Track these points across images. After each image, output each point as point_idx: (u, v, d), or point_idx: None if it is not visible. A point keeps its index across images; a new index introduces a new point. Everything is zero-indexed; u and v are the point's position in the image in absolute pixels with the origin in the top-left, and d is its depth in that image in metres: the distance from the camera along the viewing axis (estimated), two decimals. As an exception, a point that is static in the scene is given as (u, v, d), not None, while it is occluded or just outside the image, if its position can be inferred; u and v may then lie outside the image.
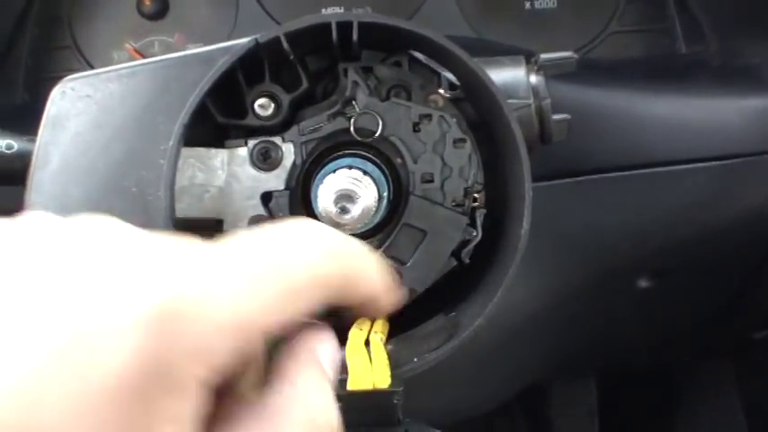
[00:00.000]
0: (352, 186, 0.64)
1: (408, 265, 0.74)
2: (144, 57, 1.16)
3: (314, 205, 0.71)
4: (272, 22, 1.23)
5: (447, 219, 0.74)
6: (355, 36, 0.69)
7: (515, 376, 1.34)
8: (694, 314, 1.31)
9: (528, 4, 1.24)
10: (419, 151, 0.74)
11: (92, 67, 1.21)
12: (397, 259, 0.74)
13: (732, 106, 0.98)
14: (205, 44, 0.75)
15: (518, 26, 1.23)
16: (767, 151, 0.97)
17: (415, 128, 0.74)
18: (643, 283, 1.15)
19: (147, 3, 1.22)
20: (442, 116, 0.73)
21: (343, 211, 0.64)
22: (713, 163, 0.98)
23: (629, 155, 0.97)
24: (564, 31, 1.23)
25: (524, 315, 1.08)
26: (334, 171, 0.69)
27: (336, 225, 0.66)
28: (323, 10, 1.21)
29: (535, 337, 1.19)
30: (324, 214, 0.66)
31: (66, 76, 0.76)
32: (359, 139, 0.73)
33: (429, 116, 0.74)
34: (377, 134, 0.73)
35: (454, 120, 0.74)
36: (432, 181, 0.74)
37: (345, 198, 0.64)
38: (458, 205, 0.74)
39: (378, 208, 0.71)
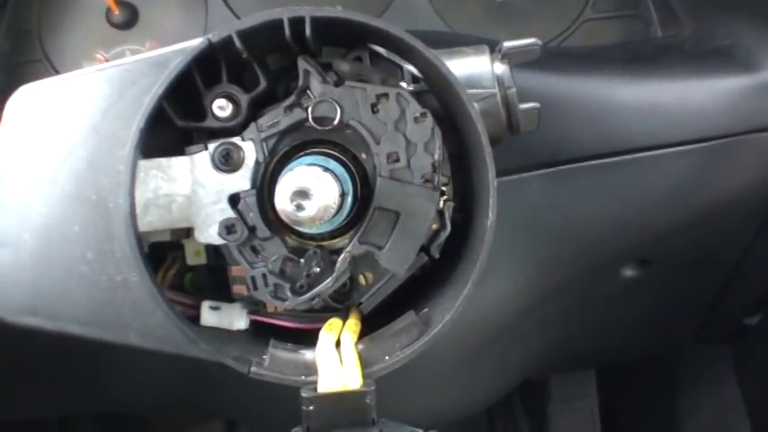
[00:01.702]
0: (307, 183, 0.63)
1: (386, 248, 0.72)
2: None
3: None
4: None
5: (418, 196, 0.72)
6: (308, 31, 0.68)
7: (507, 373, 1.33)
8: (683, 301, 1.30)
9: (500, -5, 1.23)
10: (381, 132, 0.72)
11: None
12: (373, 244, 0.72)
13: (706, 88, 0.97)
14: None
15: (490, 18, 1.22)
16: (743, 131, 0.96)
17: (374, 109, 0.72)
18: (628, 272, 1.14)
19: (116, 12, 1.21)
20: (399, 93, 0.72)
21: (299, 208, 0.63)
22: (690, 146, 0.97)
23: (605, 142, 0.96)
24: (537, 21, 1.22)
25: (511, 310, 1.07)
26: (294, 169, 0.68)
27: (295, 222, 0.64)
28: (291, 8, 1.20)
29: (524, 332, 1.18)
30: (282, 212, 0.64)
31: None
32: (318, 128, 0.72)
33: (386, 95, 0.72)
34: (336, 121, 0.72)
35: (412, 96, 0.72)
36: (398, 160, 0.72)
37: (300, 195, 0.63)
38: (427, 181, 0.73)
39: (341, 205, 0.69)
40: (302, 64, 0.72)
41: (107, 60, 1.20)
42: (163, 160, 0.73)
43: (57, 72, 1.23)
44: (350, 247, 0.73)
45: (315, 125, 0.72)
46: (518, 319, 1.09)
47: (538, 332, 1.21)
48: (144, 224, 0.72)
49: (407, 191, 0.72)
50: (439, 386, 1.21)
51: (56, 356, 1.02)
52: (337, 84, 0.72)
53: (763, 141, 0.97)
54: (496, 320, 1.08)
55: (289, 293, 0.73)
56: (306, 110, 0.72)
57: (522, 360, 1.30)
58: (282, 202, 0.63)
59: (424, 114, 0.72)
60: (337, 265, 0.73)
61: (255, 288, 0.74)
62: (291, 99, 0.72)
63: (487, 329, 1.09)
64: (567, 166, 0.96)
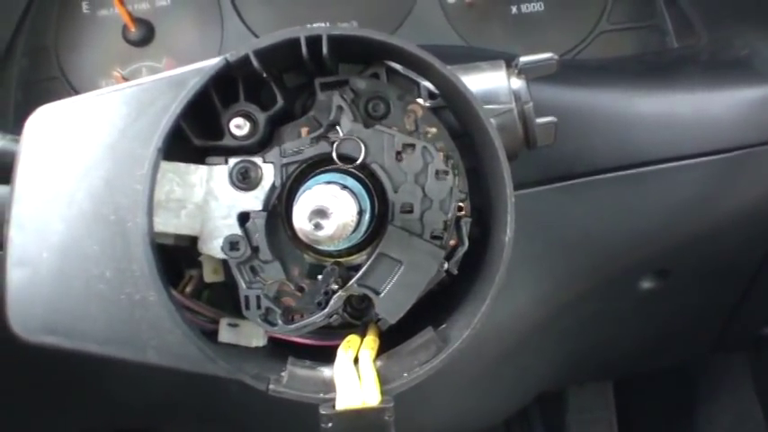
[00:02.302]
0: (325, 202, 0.63)
1: (382, 295, 0.73)
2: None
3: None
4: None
5: (424, 251, 0.72)
6: (325, 50, 0.68)
7: (525, 386, 1.32)
8: (701, 312, 1.29)
9: (515, 9, 1.22)
10: (400, 180, 0.73)
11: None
12: (371, 288, 0.73)
13: (723, 99, 0.96)
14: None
15: (506, 31, 1.22)
16: (761, 143, 0.96)
17: (398, 157, 0.73)
18: (646, 284, 1.14)
19: (133, 29, 1.21)
20: (425, 147, 0.72)
21: (317, 227, 0.63)
22: (708, 158, 0.96)
23: (622, 155, 0.96)
24: (553, 34, 1.22)
25: (529, 323, 1.07)
26: (312, 188, 0.68)
27: (314, 241, 0.64)
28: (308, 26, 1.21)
29: (542, 345, 1.18)
30: (300, 231, 0.64)
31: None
32: (340, 164, 0.73)
33: (413, 146, 0.73)
34: (359, 161, 0.72)
35: (439, 152, 0.73)
36: (411, 212, 0.73)
37: (319, 214, 0.62)
38: (436, 237, 0.73)
39: (359, 222, 0.70)
40: (337, 99, 0.73)
41: (124, 78, 1.20)
42: (182, 165, 0.73)
43: (74, 89, 1.24)
44: (346, 288, 0.73)
45: (337, 161, 0.73)
46: (535, 332, 1.09)
47: (555, 345, 1.21)
48: None
49: (414, 243, 0.72)
50: (457, 399, 1.21)
51: (69, 374, 1.03)
52: (367, 125, 0.73)
53: (782, 152, 0.97)
54: (514, 334, 1.08)
55: (279, 320, 0.74)
56: (331, 144, 0.73)
57: (540, 373, 1.30)
58: (301, 221, 0.63)
59: (446, 172, 0.73)
60: (331, 302, 0.73)
61: (248, 308, 0.74)
62: (320, 131, 0.73)
63: (505, 343, 1.09)
64: (584, 179, 0.96)
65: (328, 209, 0.62)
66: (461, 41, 1.21)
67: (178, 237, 0.75)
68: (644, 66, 1.10)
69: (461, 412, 1.25)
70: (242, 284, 0.73)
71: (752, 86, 0.96)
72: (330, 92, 0.73)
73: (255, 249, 0.73)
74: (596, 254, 1.02)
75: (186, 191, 0.73)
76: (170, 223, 0.73)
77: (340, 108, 0.73)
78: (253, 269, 0.74)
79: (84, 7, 1.24)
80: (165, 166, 0.72)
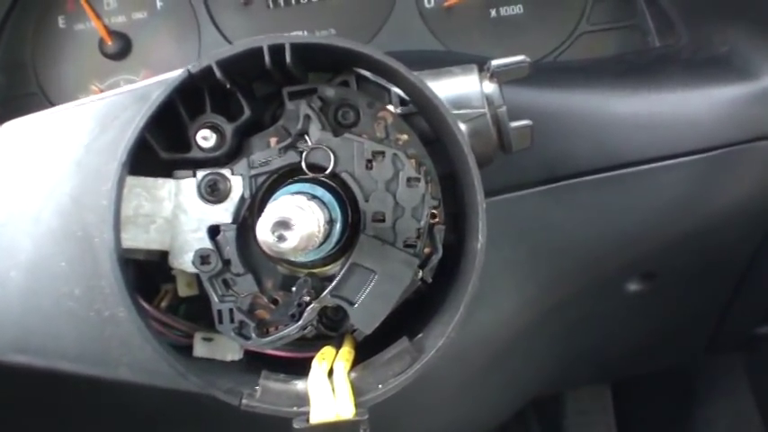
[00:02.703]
0: (288, 213, 0.62)
1: (356, 306, 0.71)
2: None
3: None
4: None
5: (398, 260, 0.71)
6: (288, 58, 0.67)
7: (517, 390, 1.31)
8: (691, 313, 1.28)
9: (494, 12, 1.21)
10: (371, 189, 0.72)
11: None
12: (345, 299, 0.72)
13: (704, 98, 0.95)
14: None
15: (485, 35, 1.21)
16: (743, 141, 0.95)
17: (368, 165, 0.72)
18: (633, 287, 1.13)
19: (109, 43, 1.20)
20: (395, 154, 0.71)
21: (281, 239, 0.61)
22: (690, 158, 0.95)
23: (603, 157, 0.95)
24: (533, 36, 1.21)
25: (515, 329, 1.06)
26: (277, 199, 0.67)
27: (277, 253, 0.63)
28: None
29: (530, 350, 1.17)
30: (263, 243, 0.63)
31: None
32: (309, 174, 0.72)
33: (383, 153, 0.71)
34: (328, 170, 0.71)
35: (411, 159, 0.72)
36: (383, 220, 0.72)
37: (282, 225, 0.61)
38: (409, 246, 0.72)
39: (330, 232, 0.68)
40: (304, 108, 0.72)
41: (101, 91, 1.19)
42: (149, 180, 0.72)
43: (52, 104, 1.23)
44: (319, 299, 0.72)
45: (307, 171, 0.72)
46: (523, 336, 1.08)
47: (545, 349, 1.20)
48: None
49: (387, 252, 0.71)
50: (447, 407, 1.20)
51: (52, 391, 1.02)
52: (336, 133, 0.72)
53: (764, 150, 0.96)
54: (500, 339, 1.07)
55: (253, 333, 0.73)
56: (300, 154, 0.72)
57: (532, 377, 1.29)
58: (263, 233, 0.61)
59: (417, 179, 0.72)
60: (305, 314, 0.72)
61: (221, 322, 0.73)
62: (288, 141, 0.72)
63: (492, 348, 1.08)
64: (565, 182, 0.95)
65: (290, 220, 0.61)
66: (441, 46, 1.20)
67: (148, 252, 0.74)
68: (624, 66, 1.09)
69: (453, 419, 1.24)
70: (214, 298, 0.72)
71: (732, 84, 0.96)
72: (298, 101, 0.72)
73: (227, 262, 0.72)
74: (580, 257, 1.01)
75: (155, 205, 0.72)
76: (139, 238, 0.72)
77: (308, 117, 0.72)
78: (225, 282, 0.73)
79: (61, 22, 1.23)
80: (132, 181, 0.71)
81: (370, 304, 0.71)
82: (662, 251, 1.04)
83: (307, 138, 0.72)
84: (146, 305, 0.72)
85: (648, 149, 0.95)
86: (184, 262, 0.72)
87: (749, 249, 1.13)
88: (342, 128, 0.73)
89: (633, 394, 1.86)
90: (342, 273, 0.71)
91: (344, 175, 0.72)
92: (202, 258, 0.71)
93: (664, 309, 1.22)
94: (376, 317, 0.72)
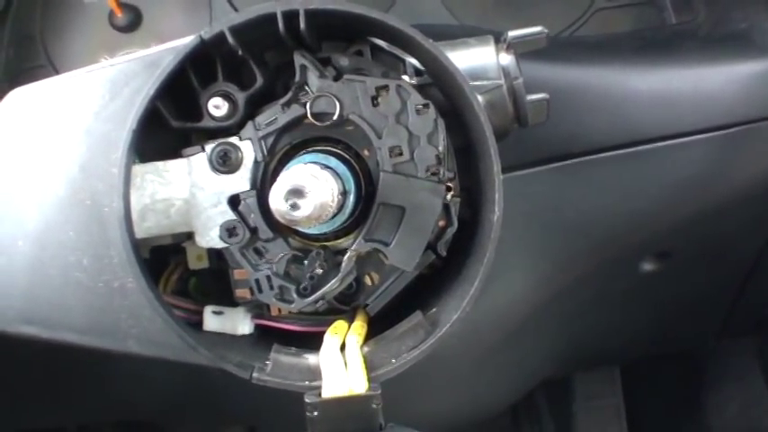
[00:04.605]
0: (301, 181, 0.60)
1: (392, 245, 0.69)
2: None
3: None
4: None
5: (424, 189, 0.69)
6: (303, 24, 0.66)
7: (527, 371, 1.30)
8: (705, 294, 1.27)
9: (508, -13, 1.20)
10: (382, 125, 0.69)
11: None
12: (380, 241, 0.70)
13: (722, 74, 0.94)
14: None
15: (500, 10, 1.19)
16: (761, 118, 0.93)
17: (374, 102, 0.69)
18: (647, 266, 1.11)
19: (119, 15, 1.19)
20: (399, 85, 0.69)
21: (294, 207, 0.60)
22: (707, 135, 0.94)
23: (619, 133, 0.94)
24: (549, 12, 1.19)
25: (528, 307, 1.05)
26: (290, 168, 0.65)
27: (291, 222, 0.62)
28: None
29: (543, 329, 1.16)
30: (276, 211, 0.62)
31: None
32: (318, 124, 0.70)
33: (386, 87, 0.69)
34: (335, 116, 0.69)
35: (413, 88, 0.70)
36: (401, 154, 0.69)
37: (295, 193, 0.60)
38: (432, 174, 0.70)
39: (343, 204, 0.67)
40: (298, 59, 0.70)
41: (111, 64, 1.18)
42: (159, 164, 0.71)
43: (61, 77, 1.21)
44: (355, 245, 0.70)
45: (314, 121, 0.70)
46: (535, 316, 1.07)
47: (557, 329, 1.19)
48: (142, 230, 0.70)
49: (412, 185, 0.69)
50: (458, 386, 1.19)
51: (59, 364, 1.01)
52: (336, 78, 0.70)
53: (782, 128, 0.94)
54: (513, 318, 1.06)
55: (295, 295, 0.71)
56: (304, 106, 0.70)
57: (542, 358, 1.28)
58: (277, 201, 0.60)
59: (426, 105, 0.69)
60: (343, 264, 0.71)
61: (260, 291, 0.71)
62: (289, 95, 0.70)
63: (504, 327, 1.07)
64: (581, 159, 0.94)
65: (304, 188, 0.60)
66: (454, 20, 1.19)
67: (175, 235, 0.73)
68: (641, 42, 1.07)
69: (463, 398, 1.23)
70: (249, 269, 0.71)
71: (751, 61, 0.94)
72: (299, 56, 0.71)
73: (254, 230, 0.71)
74: (595, 235, 0.99)
75: (170, 188, 0.71)
76: (162, 225, 0.71)
77: (304, 67, 0.70)
78: (257, 251, 0.71)
79: (70, -6, 1.21)
80: (142, 168, 0.70)
81: (405, 241, 0.70)
82: (677, 230, 1.03)
83: (307, 88, 0.70)
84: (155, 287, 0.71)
85: (665, 126, 0.94)
86: (212, 239, 0.71)
87: (765, 228, 1.11)
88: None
89: (643, 378, 1.85)
90: (371, 216, 0.70)
91: (353, 117, 0.70)
92: (229, 231, 0.70)
93: (677, 290, 1.21)
94: (414, 252, 0.70)
